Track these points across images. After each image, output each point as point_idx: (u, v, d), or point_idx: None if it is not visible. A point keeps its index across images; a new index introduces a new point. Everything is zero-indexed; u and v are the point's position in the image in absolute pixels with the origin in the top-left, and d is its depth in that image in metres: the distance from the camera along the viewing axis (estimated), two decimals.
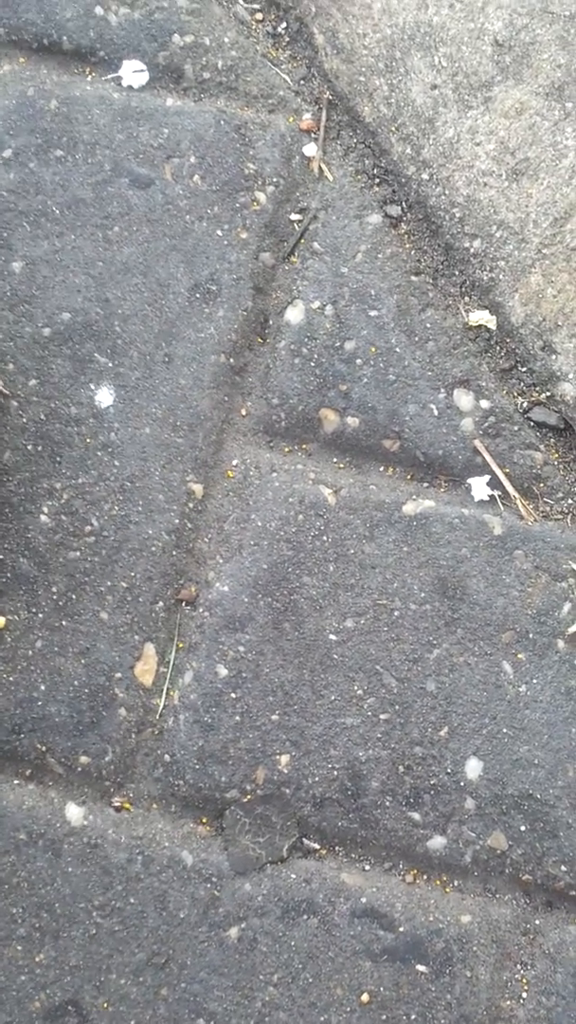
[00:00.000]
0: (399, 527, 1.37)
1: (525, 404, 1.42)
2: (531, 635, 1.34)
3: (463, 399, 1.41)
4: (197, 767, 1.30)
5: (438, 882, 1.29)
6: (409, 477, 1.40)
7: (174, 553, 1.36)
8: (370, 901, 1.27)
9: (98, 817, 1.30)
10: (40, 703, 1.31)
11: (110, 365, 1.41)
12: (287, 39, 1.56)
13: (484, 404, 1.41)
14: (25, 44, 1.54)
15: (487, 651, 1.33)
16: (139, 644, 1.33)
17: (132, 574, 1.35)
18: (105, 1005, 1.24)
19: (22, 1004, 1.24)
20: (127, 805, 1.30)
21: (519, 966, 1.26)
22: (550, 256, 1.43)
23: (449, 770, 1.30)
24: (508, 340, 1.44)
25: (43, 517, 1.36)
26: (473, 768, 1.30)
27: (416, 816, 1.29)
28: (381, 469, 1.40)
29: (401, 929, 1.26)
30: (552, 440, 1.41)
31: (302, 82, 1.54)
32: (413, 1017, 1.24)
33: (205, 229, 1.46)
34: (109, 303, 1.43)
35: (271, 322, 1.44)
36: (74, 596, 1.34)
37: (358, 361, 1.42)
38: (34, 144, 1.48)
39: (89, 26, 1.54)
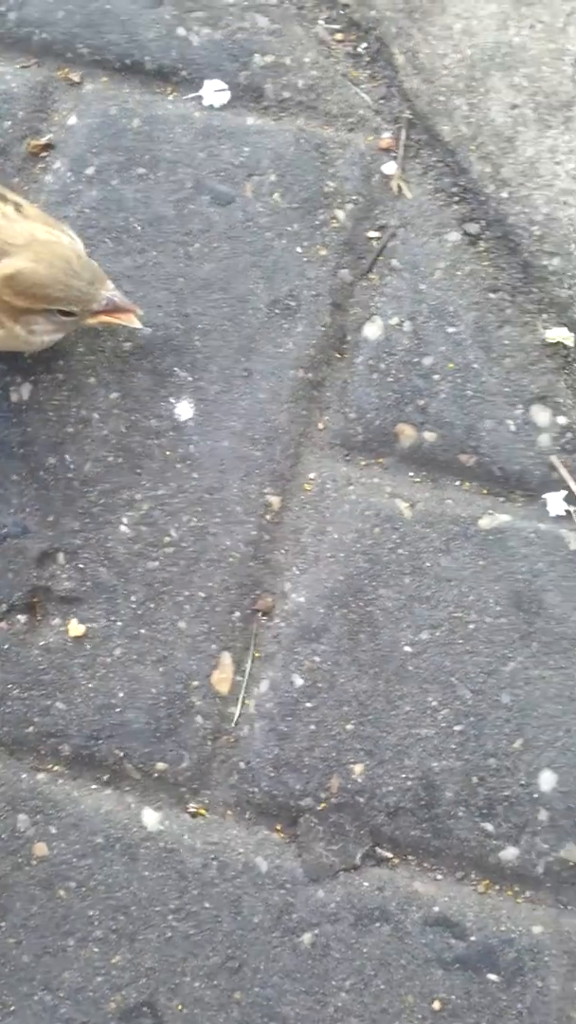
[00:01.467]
0: (475, 541, 1.38)
1: None
2: None
3: (540, 415, 1.42)
4: (272, 775, 1.31)
5: (510, 892, 1.29)
6: (485, 492, 1.40)
7: (251, 564, 1.37)
8: (442, 910, 1.27)
9: (174, 823, 1.31)
10: (119, 710, 1.33)
11: (190, 379, 1.43)
12: (367, 59, 1.58)
13: (561, 420, 1.42)
14: (108, 64, 1.56)
15: (562, 664, 1.34)
16: (216, 653, 1.35)
17: (210, 584, 1.37)
18: (179, 1007, 1.25)
19: (98, 1005, 1.25)
20: (202, 811, 1.31)
21: None
22: None
23: (523, 782, 1.31)
24: None
25: (123, 527, 1.38)
26: (547, 780, 1.31)
27: (489, 827, 1.30)
28: (457, 483, 1.41)
29: (473, 938, 1.26)
30: None
31: (382, 101, 1.55)
32: None
33: (285, 246, 1.48)
34: (189, 318, 1.45)
35: (349, 338, 1.46)
36: (153, 605, 1.36)
37: (436, 377, 1.43)
38: (117, 162, 1.51)
39: (171, 46, 1.56)
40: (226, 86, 1.55)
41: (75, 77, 1.55)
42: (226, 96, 1.55)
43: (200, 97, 1.55)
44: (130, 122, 1.52)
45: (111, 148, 1.51)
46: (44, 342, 1.36)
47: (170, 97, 1.55)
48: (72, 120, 1.53)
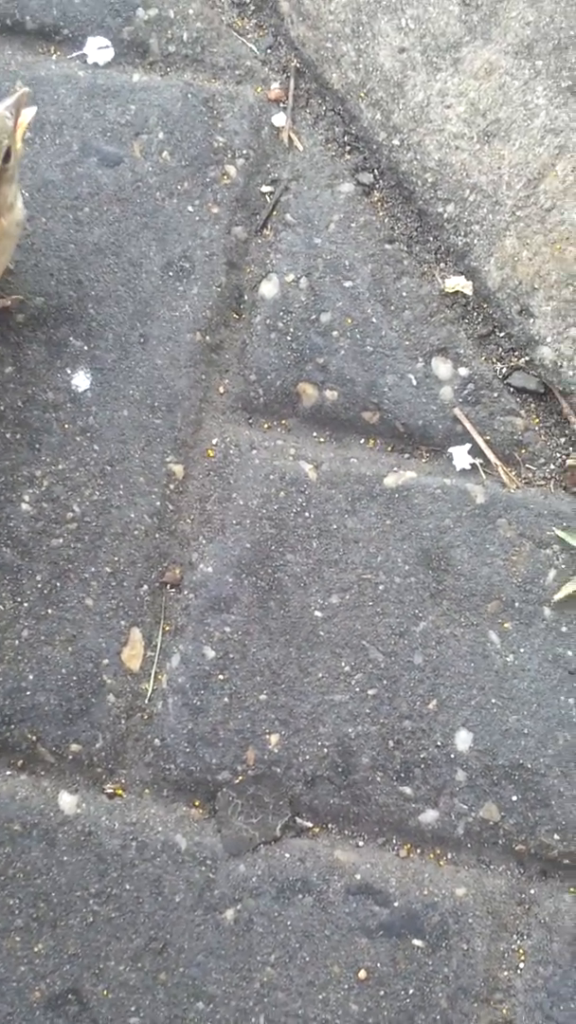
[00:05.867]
0: (381, 500, 1.36)
1: (504, 370, 1.41)
2: (517, 604, 1.33)
3: (441, 367, 1.41)
4: (188, 750, 1.30)
5: (432, 855, 1.29)
6: (390, 449, 1.39)
7: (157, 536, 1.36)
8: (364, 877, 1.27)
9: (91, 805, 1.30)
10: (29, 693, 1.31)
11: (85, 348, 1.40)
12: (252, 8, 1.54)
13: (463, 372, 1.40)
14: None
15: (473, 622, 1.33)
16: (125, 629, 1.33)
17: (116, 559, 1.35)
18: (105, 992, 1.24)
19: (22, 994, 1.24)
20: (119, 791, 1.30)
21: (515, 936, 1.26)
22: (524, 218, 1.42)
23: (439, 743, 1.30)
24: (485, 305, 1.43)
25: (24, 505, 1.36)
26: (463, 740, 1.31)
27: (407, 790, 1.30)
28: (361, 442, 1.40)
29: (396, 904, 1.26)
30: (532, 405, 1.40)
31: (269, 51, 1.53)
32: (411, 991, 1.24)
33: (176, 206, 1.45)
34: (82, 285, 1.42)
35: (246, 297, 1.44)
36: (58, 584, 1.34)
37: (334, 333, 1.42)
38: None
39: (52, 4, 1.52)
40: (109, 43, 1.52)
41: None
42: (110, 53, 1.52)
43: (84, 56, 1.52)
44: (13, 85, 1.49)
45: None
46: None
47: (53, 57, 1.52)
48: None
